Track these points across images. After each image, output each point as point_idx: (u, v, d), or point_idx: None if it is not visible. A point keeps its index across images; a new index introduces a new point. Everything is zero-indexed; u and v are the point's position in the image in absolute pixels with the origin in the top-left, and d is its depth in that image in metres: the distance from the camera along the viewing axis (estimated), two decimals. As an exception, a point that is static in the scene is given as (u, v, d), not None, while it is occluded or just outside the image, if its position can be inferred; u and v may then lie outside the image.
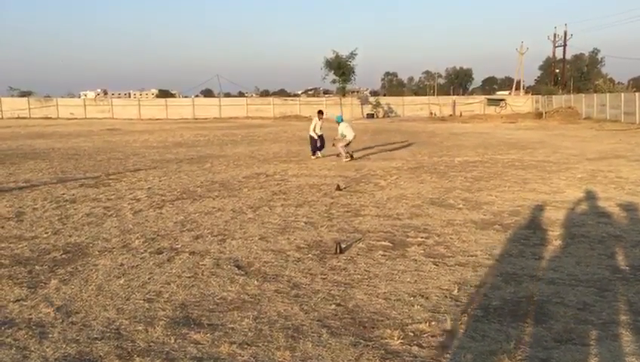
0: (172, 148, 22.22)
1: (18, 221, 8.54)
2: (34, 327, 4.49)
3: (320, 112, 18.44)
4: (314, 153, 18.03)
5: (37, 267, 6.16)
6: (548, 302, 4.99)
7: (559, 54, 67.38)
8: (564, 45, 63.77)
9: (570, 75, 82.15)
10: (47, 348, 4.10)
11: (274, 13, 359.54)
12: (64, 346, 4.13)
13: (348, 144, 17.30)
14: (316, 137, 17.95)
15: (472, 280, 5.63)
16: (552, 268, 6.03)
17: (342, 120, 17.90)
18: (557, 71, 69.93)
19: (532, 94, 68.27)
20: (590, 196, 10.35)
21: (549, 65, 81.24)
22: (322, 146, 18.06)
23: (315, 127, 17.99)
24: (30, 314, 4.77)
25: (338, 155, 17.54)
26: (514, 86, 75.45)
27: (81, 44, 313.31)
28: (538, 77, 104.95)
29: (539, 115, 49.05)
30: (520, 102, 61.25)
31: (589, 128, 32.93)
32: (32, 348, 4.09)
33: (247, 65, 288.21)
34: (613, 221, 8.29)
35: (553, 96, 53.94)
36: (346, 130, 17.25)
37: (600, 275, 5.77)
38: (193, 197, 10.58)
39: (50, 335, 4.32)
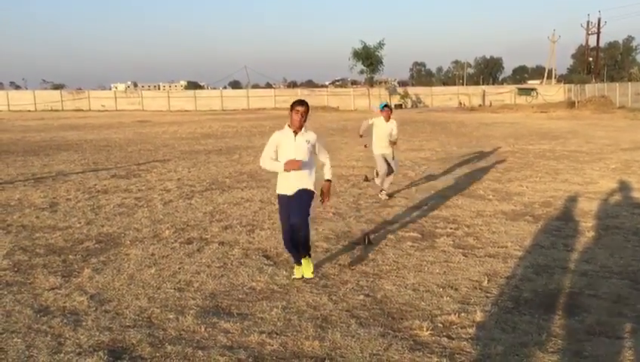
0: (201, 139, 22.41)
1: (52, 211, 8.72)
2: (68, 315, 4.59)
3: (298, 104, 5.57)
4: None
5: (71, 256, 6.30)
6: (580, 294, 4.91)
7: (592, 42, 65.70)
8: (598, 33, 62.12)
9: (604, 63, 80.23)
10: (81, 335, 4.19)
11: (301, 3, 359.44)
12: (98, 334, 4.21)
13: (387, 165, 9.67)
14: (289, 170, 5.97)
15: (503, 272, 5.57)
16: (584, 259, 5.92)
17: (382, 107, 9.82)
18: (590, 59, 68.23)
19: (564, 83, 66.89)
20: (624, 187, 10.12)
21: (581, 53, 79.30)
22: (302, 211, 5.48)
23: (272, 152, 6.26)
24: (64, 303, 4.88)
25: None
26: (545, 75, 74.04)
27: (112, 38, 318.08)
28: (570, 65, 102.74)
29: (571, 105, 48.03)
30: (552, 92, 60.09)
31: (623, 118, 32.15)
32: (67, 336, 4.18)
33: (274, 57, 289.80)
34: (649, 212, 8.09)
35: (586, 85, 52.77)
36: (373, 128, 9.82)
37: (634, 267, 5.64)
38: (222, 188, 10.66)
39: (84, 323, 4.41)
